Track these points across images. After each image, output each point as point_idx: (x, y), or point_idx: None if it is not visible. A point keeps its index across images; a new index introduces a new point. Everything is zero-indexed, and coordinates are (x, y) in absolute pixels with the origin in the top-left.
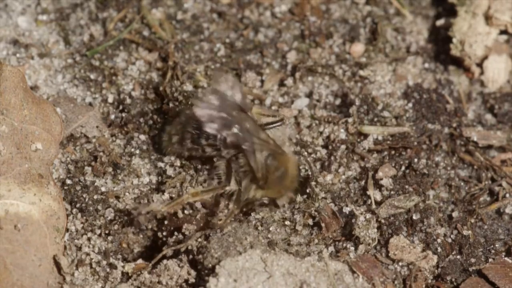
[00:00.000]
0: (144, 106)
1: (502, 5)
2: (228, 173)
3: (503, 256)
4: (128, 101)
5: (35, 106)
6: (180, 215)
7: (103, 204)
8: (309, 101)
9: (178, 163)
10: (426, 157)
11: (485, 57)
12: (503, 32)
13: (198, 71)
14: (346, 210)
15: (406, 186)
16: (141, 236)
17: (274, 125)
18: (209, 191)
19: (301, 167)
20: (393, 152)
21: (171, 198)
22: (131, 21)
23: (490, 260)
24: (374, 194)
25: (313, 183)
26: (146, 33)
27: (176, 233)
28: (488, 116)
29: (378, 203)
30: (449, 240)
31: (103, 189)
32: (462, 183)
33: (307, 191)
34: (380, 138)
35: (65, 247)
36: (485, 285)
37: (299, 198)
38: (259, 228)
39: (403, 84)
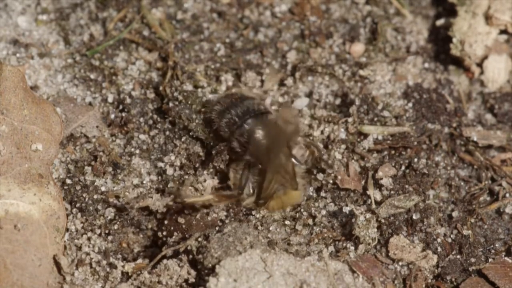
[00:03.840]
0: (144, 106)
1: (502, 5)
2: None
3: (503, 256)
4: (128, 101)
5: (35, 106)
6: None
7: (103, 204)
8: (309, 101)
9: (178, 163)
10: (426, 157)
11: (485, 57)
12: (503, 32)
13: (198, 71)
14: (346, 210)
15: (406, 186)
16: (141, 236)
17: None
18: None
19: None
20: (393, 152)
21: (195, 189)
22: (131, 21)
23: (490, 260)
24: (374, 194)
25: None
26: (146, 33)
27: (176, 233)
28: (488, 116)
29: (378, 203)
30: (449, 240)
31: (103, 189)
32: (462, 183)
33: (322, 165)
34: (380, 138)
35: (65, 247)
36: (485, 285)
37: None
38: (259, 228)
39: (403, 84)
